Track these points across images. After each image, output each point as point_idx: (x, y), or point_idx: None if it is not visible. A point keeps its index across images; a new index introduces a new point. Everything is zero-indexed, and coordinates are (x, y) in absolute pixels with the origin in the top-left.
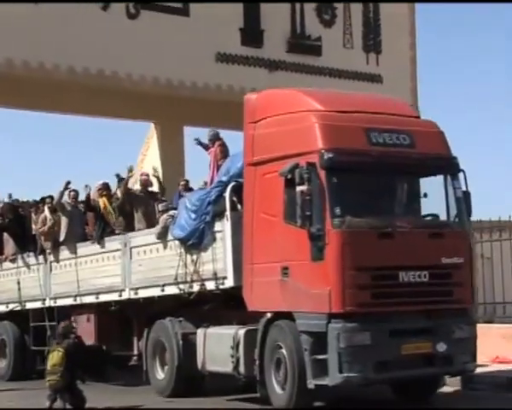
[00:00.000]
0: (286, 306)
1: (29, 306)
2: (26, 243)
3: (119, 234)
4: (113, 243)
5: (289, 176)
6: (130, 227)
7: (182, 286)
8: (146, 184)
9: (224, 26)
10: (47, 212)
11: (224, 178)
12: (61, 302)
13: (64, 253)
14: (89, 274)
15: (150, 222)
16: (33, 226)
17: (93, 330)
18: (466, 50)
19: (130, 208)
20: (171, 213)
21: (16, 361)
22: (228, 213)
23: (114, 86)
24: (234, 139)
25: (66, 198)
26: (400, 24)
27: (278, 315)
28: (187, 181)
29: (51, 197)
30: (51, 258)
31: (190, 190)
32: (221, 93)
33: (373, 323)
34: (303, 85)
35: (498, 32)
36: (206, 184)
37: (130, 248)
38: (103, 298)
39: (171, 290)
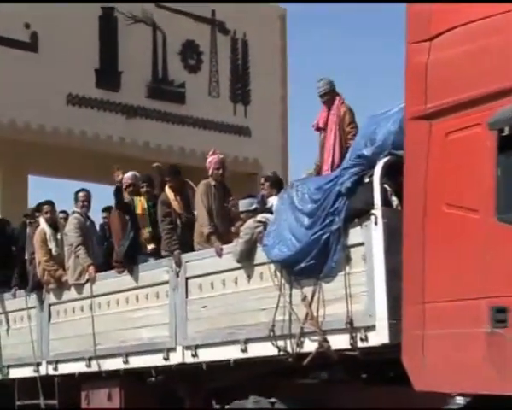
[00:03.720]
0: (501, 385)
1: (14, 374)
2: (11, 274)
3: (164, 256)
4: (155, 271)
5: (508, 130)
6: (185, 247)
7: (281, 343)
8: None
9: (78, 66)
10: (44, 225)
11: (367, 152)
12: (65, 368)
13: (72, 291)
14: (113, 324)
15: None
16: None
17: None
18: None
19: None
20: (262, 217)
21: None
22: (378, 211)
23: None
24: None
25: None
26: (271, 74)
27: (481, 401)
28: (272, 176)
29: (51, 203)
30: (51, 298)
31: None
32: (72, 139)
33: None
34: (164, 136)
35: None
36: (318, 167)
37: (186, 280)
38: (136, 363)
39: (261, 350)
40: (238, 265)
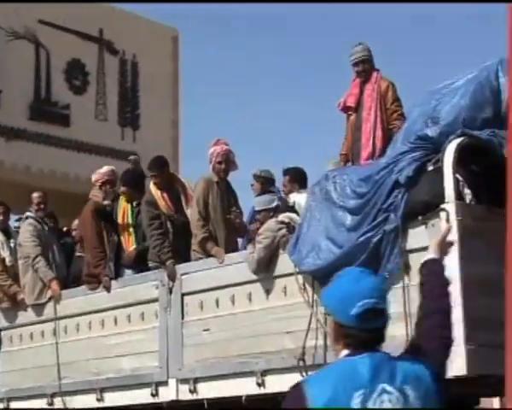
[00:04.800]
0: None
1: None
2: None
3: (152, 268)
4: (140, 286)
5: None
6: (178, 256)
7: None
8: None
9: None
10: None
11: (431, 132)
12: (20, 407)
13: (29, 312)
14: (83, 352)
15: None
16: None
17: None
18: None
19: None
20: (285, 217)
21: None
22: (451, 205)
23: None
24: None
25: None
26: (162, 98)
27: None
28: (293, 168)
29: (3, 205)
30: (1, 322)
31: None
32: None
33: None
34: (46, 160)
35: None
36: (345, 157)
37: (182, 296)
38: (114, 400)
39: (284, 384)
40: (253, 277)
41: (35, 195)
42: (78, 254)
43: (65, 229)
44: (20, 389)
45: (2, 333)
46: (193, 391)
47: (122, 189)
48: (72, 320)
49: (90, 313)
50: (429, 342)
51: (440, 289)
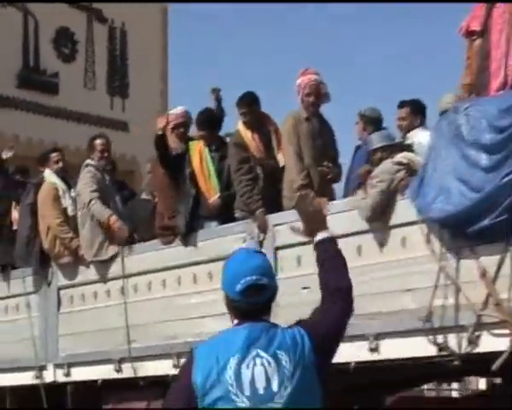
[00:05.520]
0: None
1: (5, 381)
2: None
3: (239, 218)
4: (225, 239)
5: None
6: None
7: (440, 339)
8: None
9: None
10: (54, 178)
11: None
12: (81, 374)
13: (92, 269)
14: (156, 314)
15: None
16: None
17: None
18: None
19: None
20: (404, 157)
21: None
22: None
23: None
24: None
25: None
26: (151, 68)
27: None
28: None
29: (60, 151)
30: (60, 279)
31: None
32: None
33: None
34: (35, 129)
35: None
36: (469, 87)
37: (276, 250)
38: None
39: (401, 349)
40: (363, 227)
41: (98, 141)
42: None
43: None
44: (82, 354)
45: (62, 292)
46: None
47: (199, 132)
48: (143, 278)
49: (163, 269)
50: (329, 309)
51: (336, 264)
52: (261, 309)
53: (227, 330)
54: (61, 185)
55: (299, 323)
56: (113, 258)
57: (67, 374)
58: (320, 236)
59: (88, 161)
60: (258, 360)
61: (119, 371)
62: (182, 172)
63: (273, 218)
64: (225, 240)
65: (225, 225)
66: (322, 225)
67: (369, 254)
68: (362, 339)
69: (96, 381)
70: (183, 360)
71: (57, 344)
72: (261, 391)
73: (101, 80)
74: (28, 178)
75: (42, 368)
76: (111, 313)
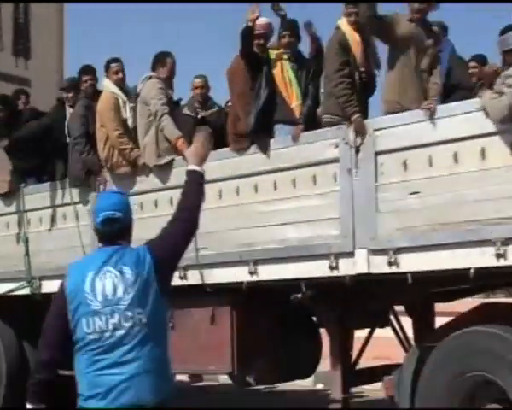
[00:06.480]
0: None
1: (49, 288)
2: (46, 161)
3: (326, 124)
4: (313, 145)
5: None
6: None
7: None
8: None
9: None
10: (115, 89)
11: None
12: None
13: (151, 177)
14: (227, 219)
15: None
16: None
17: (227, 344)
18: None
19: None
20: None
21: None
22: None
23: None
24: None
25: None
26: (50, 35)
27: None
28: None
29: (120, 61)
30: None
31: None
32: None
33: None
34: None
35: None
36: None
37: (376, 155)
38: (273, 273)
39: None
40: (485, 129)
41: (168, 59)
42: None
43: None
44: None
45: None
46: (393, 263)
47: (284, 39)
48: (214, 186)
49: (236, 177)
50: (172, 227)
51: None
52: (117, 236)
53: (93, 251)
54: (121, 96)
55: (148, 242)
56: (176, 166)
57: None
58: (191, 167)
59: (152, 74)
60: (108, 274)
61: (183, 277)
62: (260, 74)
63: (373, 122)
64: (314, 146)
65: (313, 131)
66: (201, 161)
67: (495, 157)
68: (484, 245)
69: None
70: (260, 267)
71: None
72: (110, 297)
73: (8, 44)
74: None
75: None
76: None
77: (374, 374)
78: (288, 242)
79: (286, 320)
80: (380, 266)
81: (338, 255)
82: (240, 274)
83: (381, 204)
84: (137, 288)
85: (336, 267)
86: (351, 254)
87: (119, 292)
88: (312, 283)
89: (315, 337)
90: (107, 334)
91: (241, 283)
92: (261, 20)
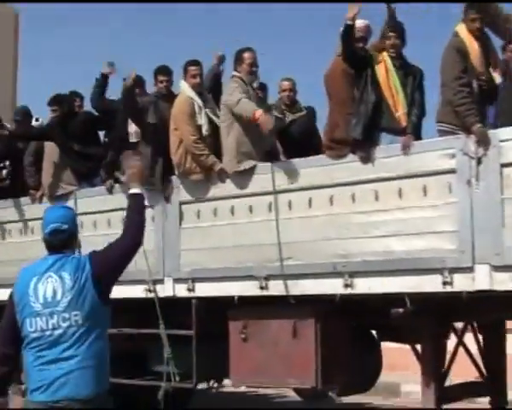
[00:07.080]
0: None
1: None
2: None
3: (442, 133)
4: (427, 155)
5: None
6: None
7: None
8: None
9: None
10: (192, 93)
11: None
12: (205, 290)
13: (228, 183)
14: (318, 230)
15: None
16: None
17: (311, 358)
18: None
19: None
20: None
21: None
22: None
23: None
24: None
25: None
26: (4, 66)
27: None
28: None
29: (199, 64)
30: (182, 195)
31: None
32: None
33: None
34: None
35: None
36: None
37: (501, 166)
38: (373, 286)
39: None
40: None
41: (246, 54)
42: None
43: None
44: (211, 269)
45: (184, 207)
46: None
47: (390, 41)
48: (297, 194)
49: (331, 186)
50: (117, 243)
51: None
52: (62, 245)
53: (39, 259)
54: (197, 101)
55: (91, 252)
56: (258, 172)
57: (191, 289)
58: (132, 191)
59: (234, 73)
60: (49, 279)
61: (264, 288)
62: (362, 77)
63: (499, 133)
64: (425, 156)
65: (428, 140)
66: (139, 181)
67: None
68: None
69: (224, 297)
70: (356, 279)
71: (179, 259)
72: (50, 300)
73: None
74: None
75: (156, 282)
76: (255, 229)
77: (464, 391)
78: (391, 254)
79: (355, 333)
80: (505, 282)
81: (453, 270)
82: (332, 286)
83: (507, 219)
84: (75, 292)
85: (450, 283)
86: (469, 270)
87: (58, 295)
88: (416, 297)
89: (377, 351)
90: (48, 333)
91: (333, 295)
92: (359, 23)
